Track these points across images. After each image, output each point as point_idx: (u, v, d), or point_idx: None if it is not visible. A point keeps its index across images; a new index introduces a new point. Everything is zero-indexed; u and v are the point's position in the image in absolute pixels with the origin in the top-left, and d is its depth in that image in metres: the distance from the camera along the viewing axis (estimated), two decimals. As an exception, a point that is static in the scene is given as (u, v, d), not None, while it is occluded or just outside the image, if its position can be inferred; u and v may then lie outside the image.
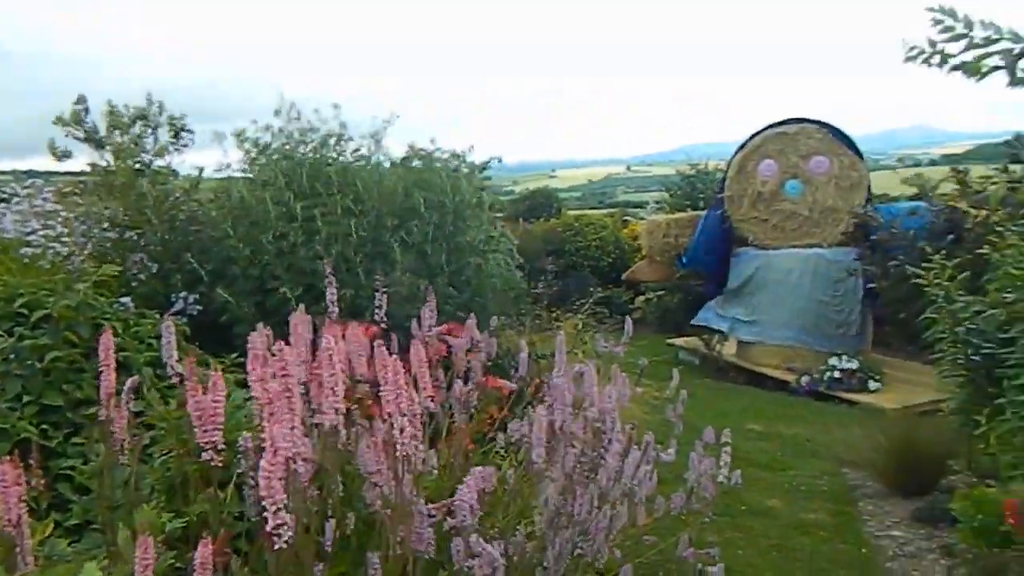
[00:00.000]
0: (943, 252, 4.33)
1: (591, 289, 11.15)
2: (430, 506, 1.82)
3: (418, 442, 1.67)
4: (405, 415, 1.62)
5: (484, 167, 5.71)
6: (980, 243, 4.45)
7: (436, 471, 2.25)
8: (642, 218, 12.70)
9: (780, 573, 3.35)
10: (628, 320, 2.93)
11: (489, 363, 2.79)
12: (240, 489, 1.98)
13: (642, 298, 11.06)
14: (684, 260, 8.60)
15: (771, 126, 8.05)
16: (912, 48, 2.38)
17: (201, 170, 5.23)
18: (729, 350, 8.36)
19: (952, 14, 2.28)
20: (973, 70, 2.29)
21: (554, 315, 7.32)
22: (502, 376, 3.51)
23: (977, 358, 3.69)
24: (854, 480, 4.49)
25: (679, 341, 9.08)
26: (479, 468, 1.91)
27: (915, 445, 4.16)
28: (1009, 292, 3.59)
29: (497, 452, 2.93)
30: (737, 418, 5.79)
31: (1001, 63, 2.27)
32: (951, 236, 6.61)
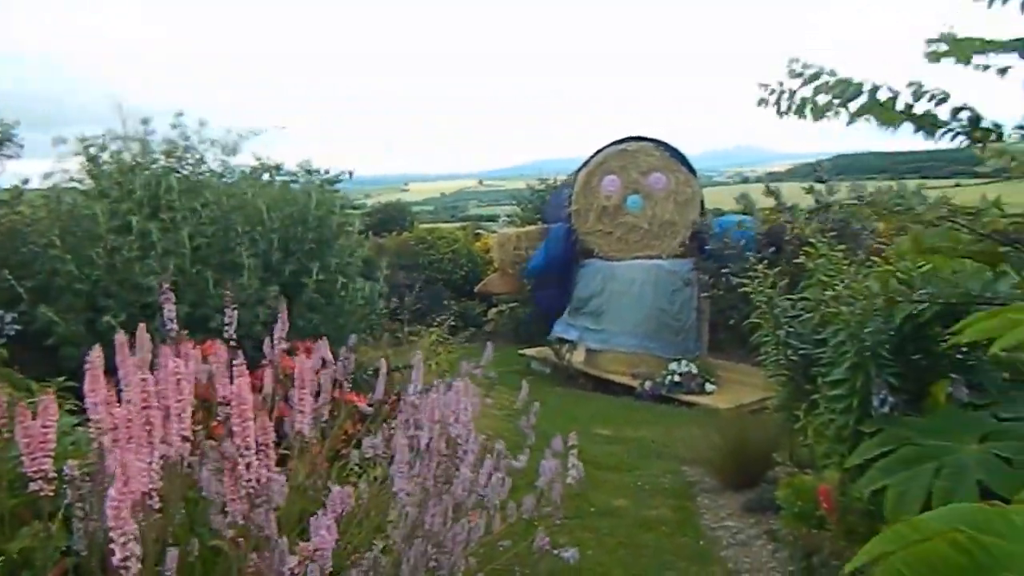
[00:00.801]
0: (766, 261, 4.70)
1: (445, 302, 11.21)
2: (299, 546, 1.77)
3: (271, 472, 1.62)
4: (251, 449, 1.57)
5: (335, 180, 5.64)
6: (798, 253, 4.89)
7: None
8: (494, 231, 12.92)
9: (627, 569, 3.51)
10: (489, 345, 3.00)
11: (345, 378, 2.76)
12: (68, 522, 1.86)
13: (495, 310, 11.23)
14: (527, 272, 8.86)
15: (613, 144, 8.46)
16: (768, 90, 2.61)
17: (26, 181, 4.83)
18: (578, 358, 8.66)
19: (808, 66, 2.52)
20: (819, 112, 2.55)
21: (409, 330, 7.31)
22: (358, 391, 3.47)
23: (795, 358, 4.03)
24: (693, 477, 4.79)
25: (530, 351, 9.30)
26: (337, 490, 1.87)
27: (745, 441, 4.50)
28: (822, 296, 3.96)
29: (352, 469, 2.90)
30: (586, 423, 6.02)
31: (837, 101, 2.53)
32: (774, 247, 7.20)
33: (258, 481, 1.56)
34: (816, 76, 2.44)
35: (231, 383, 1.62)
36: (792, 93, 2.47)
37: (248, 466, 1.55)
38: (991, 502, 1.61)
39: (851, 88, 2.45)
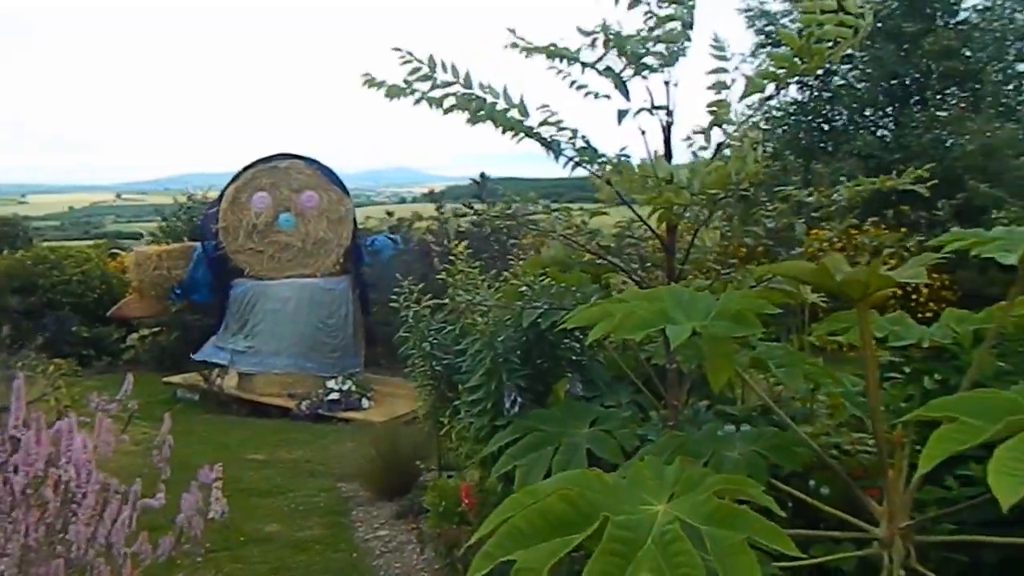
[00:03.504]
0: (411, 277, 4.93)
1: (73, 329, 9.93)
2: None
3: None
4: None
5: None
6: (443, 269, 5.21)
7: None
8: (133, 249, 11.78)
9: (279, 594, 3.45)
10: (128, 377, 2.74)
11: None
12: None
13: (135, 336, 10.21)
14: (178, 292, 8.30)
15: (263, 160, 8.26)
16: (372, 80, 2.70)
17: None
18: (231, 383, 8.27)
19: (427, 59, 2.65)
20: (437, 103, 2.71)
21: (21, 363, 6.35)
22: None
23: (439, 368, 4.30)
24: (347, 492, 4.85)
25: (176, 378, 8.63)
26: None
27: (397, 451, 4.67)
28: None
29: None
30: (238, 450, 5.77)
31: (459, 105, 2.71)
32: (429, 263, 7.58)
33: None
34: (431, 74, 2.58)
35: None
36: (409, 85, 2.59)
37: None
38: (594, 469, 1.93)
39: (477, 102, 2.67)
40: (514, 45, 2.55)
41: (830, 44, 2.26)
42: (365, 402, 7.51)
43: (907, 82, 11.07)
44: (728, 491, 1.72)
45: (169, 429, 2.83)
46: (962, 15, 11.21)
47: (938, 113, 10.23)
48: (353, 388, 7.56)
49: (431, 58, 2.49)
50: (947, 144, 9.72)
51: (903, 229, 7.81)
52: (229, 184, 8.27)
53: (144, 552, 2.60)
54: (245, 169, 8.25)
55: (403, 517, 4.26)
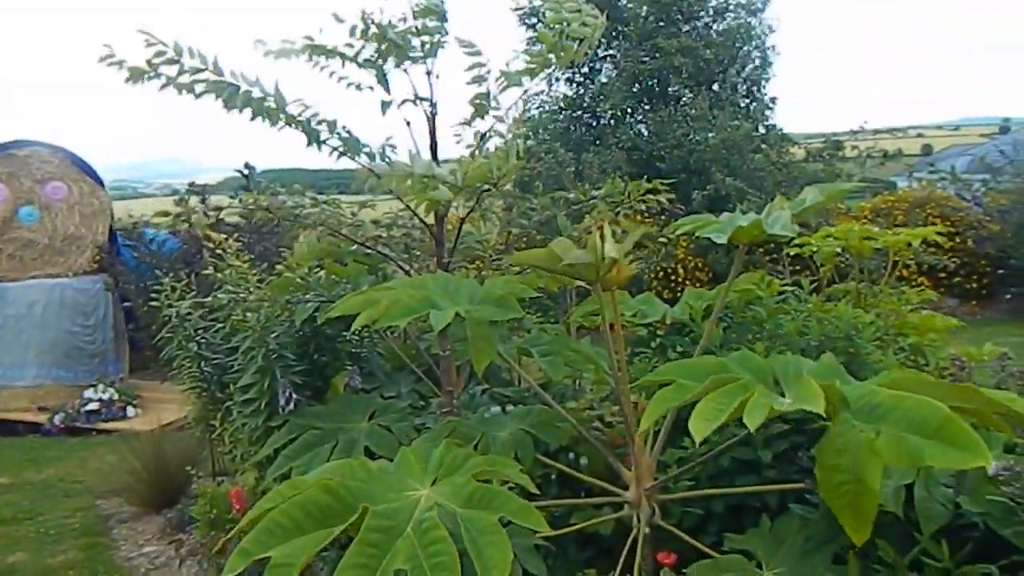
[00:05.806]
0: (171, 275, 4.61)
1: None
2: None
3: None
4: None
5: None
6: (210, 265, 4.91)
7: None
8: None
9: (25, 631, 3.10)
10: None
11: None
12: None
13: None
14: None
15: (-3, 147, 7.34)
16: (112, 58, 2.48)
17: None
18: (-33, 399, 7.29)
19: (175, 46, 2.46)
20: (187, 89, 2.53)
21: None
22: None
23: (209, 369, 4.06)
24: (108, 509, 4.46)
25: None
26: None
27: (164, 461, 4.36)
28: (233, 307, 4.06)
29: None
30: (-26, 475, 5.13)
31: (211, 90, 2.54)
32: (196, 257, 7.12)
33: None
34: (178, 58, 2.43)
35: None
36: (154, 68, 2.43)
37: None
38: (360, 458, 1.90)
39: (230, 89, 2.54)
40: (267, 53, 2.47)
41: (578, 42, 2.41)
42: (130, 410, 6.93)
43: (658, 80, 12.06)
44: (490, 472, 1.78)
45: None
46: (704, 20, 12.41)
47: (687, 110, 11.21)
48: (116, 396, 6.95)
49: (176, 44, 2.34)
50: (695, 139, 10.70)
51: (662, 218, 8.46)
52: (-48, 174, 7.26)
53: None
54: (-25, 158, 7.29)
55: (172, 530, 3.99)
